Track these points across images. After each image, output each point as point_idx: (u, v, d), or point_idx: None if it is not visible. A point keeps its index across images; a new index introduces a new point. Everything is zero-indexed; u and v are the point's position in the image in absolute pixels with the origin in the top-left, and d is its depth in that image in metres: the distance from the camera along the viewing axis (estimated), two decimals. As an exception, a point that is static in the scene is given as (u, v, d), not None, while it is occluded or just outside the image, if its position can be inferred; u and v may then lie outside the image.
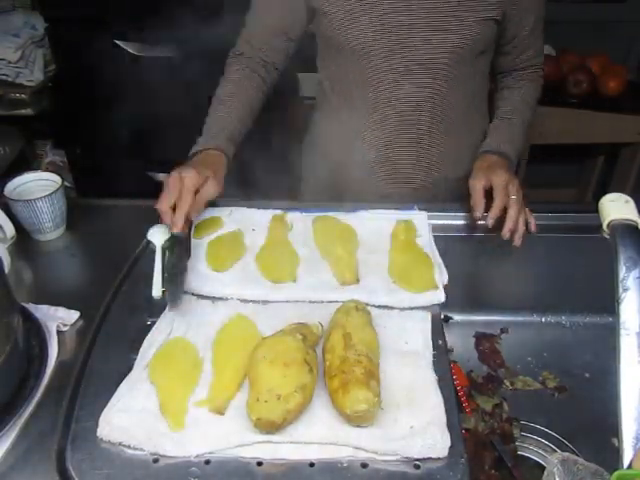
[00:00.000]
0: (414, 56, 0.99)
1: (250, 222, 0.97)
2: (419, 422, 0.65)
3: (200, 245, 0.91)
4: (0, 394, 0.66)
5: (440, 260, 0.90)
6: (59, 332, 0.78)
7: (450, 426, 0.64)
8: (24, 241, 0.95)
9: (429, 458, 0.62)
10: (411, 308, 0.82)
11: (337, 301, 0.80)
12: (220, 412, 0.66)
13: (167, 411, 0.66)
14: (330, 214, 0.98)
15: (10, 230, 0.92)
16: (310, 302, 0.83)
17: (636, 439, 0.55)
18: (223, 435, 0.64)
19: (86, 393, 0.70)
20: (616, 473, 0.52)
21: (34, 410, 0.68)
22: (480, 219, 0.94)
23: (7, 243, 0.92)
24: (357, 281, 0.85)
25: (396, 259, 0.89)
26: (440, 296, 0.83)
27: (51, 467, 0.62)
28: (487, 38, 1.01)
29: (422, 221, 0.96)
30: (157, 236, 0.88)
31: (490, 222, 0.92)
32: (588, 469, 0.62)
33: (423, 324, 0.79)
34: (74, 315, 0.80)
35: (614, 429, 0.56)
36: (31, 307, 0.80)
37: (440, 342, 0.76)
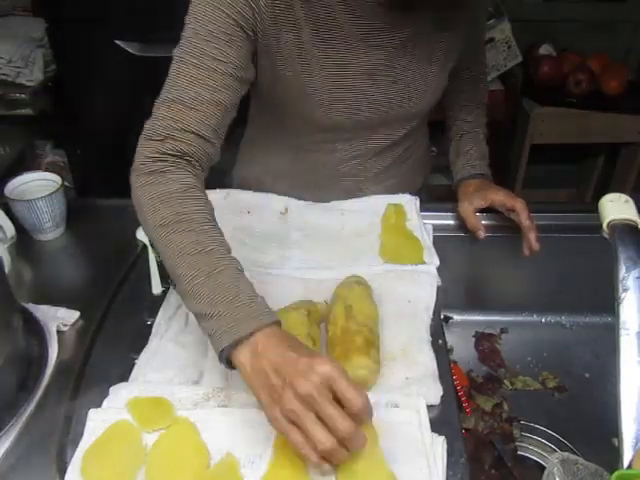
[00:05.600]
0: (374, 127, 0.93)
1: (246, 205, 0.99)
2: (414, 374, 0.70)
3: None
4: (0, 394, 0.66)
5: (430, 244, 0.92)
6: (59, 332, 0.78)
7: (449, 424, 0.65)
8: (24, 241, 0.95)
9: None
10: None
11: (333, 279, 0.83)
12: None
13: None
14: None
15: (10, 230, 0.92)
16: (316, 279, 0.84)
17: (636, 439, 0.55)
18: None
19: (86, 393, 0.70)
20: (616, 473, 0.52)
21: (34, 410, 0.68)
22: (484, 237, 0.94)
23: (7, 243, 0.92)
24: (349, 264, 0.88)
25: (386, 241, 0.92)
26: (431, 269, 0.86)
27: (51, 467, 0.62)
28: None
29: (412, 206, 0.98)
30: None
31: (533, 239, 0.89)
32: (588, 469, 0.62)
33: (430, 290, 0.83)
34: (74, 315, 0.80)
35: (614, 429, 0.56)
36: (31, 307, 0.80)
37: (440, 342, 0.76)
